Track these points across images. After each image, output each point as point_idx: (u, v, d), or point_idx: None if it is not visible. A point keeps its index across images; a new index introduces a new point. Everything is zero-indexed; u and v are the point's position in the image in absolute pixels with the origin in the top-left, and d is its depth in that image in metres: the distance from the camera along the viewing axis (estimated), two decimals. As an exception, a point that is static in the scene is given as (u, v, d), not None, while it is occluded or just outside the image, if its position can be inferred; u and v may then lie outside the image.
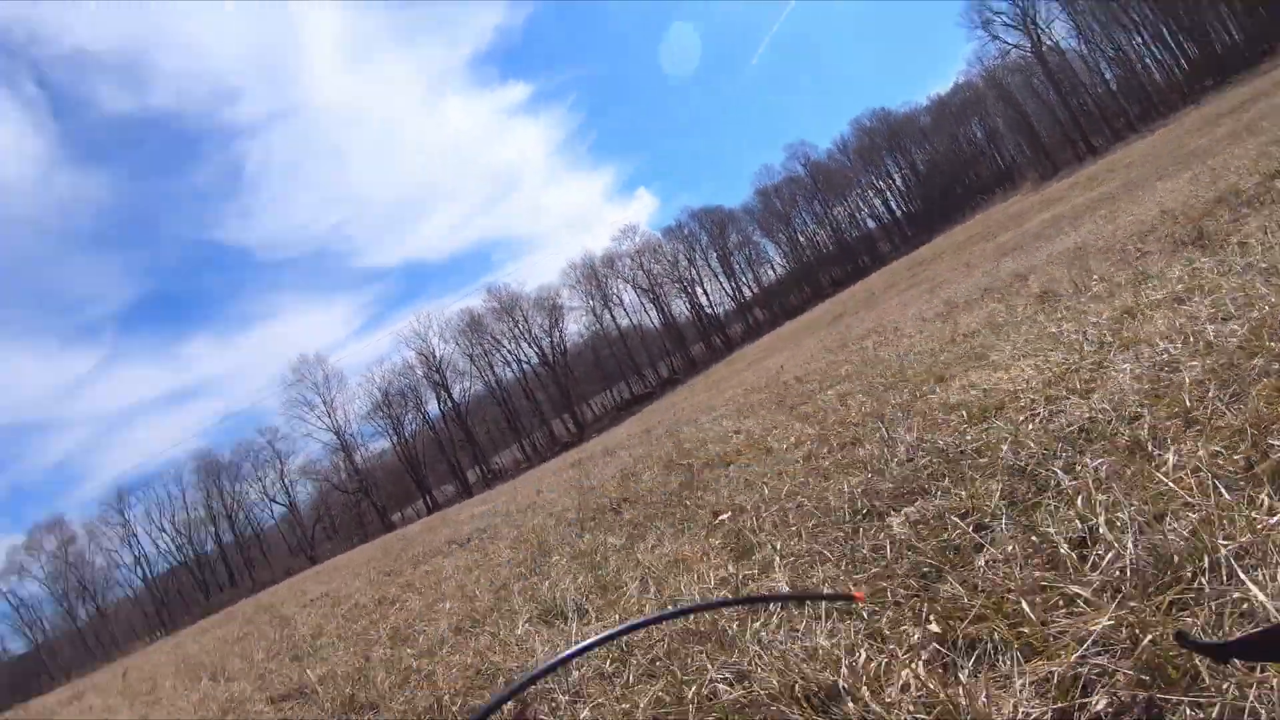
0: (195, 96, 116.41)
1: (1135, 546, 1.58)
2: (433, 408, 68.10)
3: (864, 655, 1.62)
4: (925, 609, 1.71)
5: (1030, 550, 1.76)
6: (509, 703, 2.12)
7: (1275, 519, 1.49)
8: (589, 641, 1.38)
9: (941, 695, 1.39)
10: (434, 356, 67.66)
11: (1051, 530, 1.78)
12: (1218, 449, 1.82)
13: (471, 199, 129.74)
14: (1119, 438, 2.15)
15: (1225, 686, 1.16)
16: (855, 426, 3.88)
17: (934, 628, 1.64)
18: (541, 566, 4.12)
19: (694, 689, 1.79)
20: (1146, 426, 2.12)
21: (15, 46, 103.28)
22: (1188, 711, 1.16)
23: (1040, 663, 1.39)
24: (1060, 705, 1.29)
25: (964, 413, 3.05)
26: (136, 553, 65.29)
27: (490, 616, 3.54)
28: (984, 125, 77.86)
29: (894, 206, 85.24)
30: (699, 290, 79.29)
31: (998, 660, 1.46)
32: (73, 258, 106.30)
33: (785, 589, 2.21)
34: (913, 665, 1.51)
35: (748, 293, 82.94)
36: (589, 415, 69.95)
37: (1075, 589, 1.52)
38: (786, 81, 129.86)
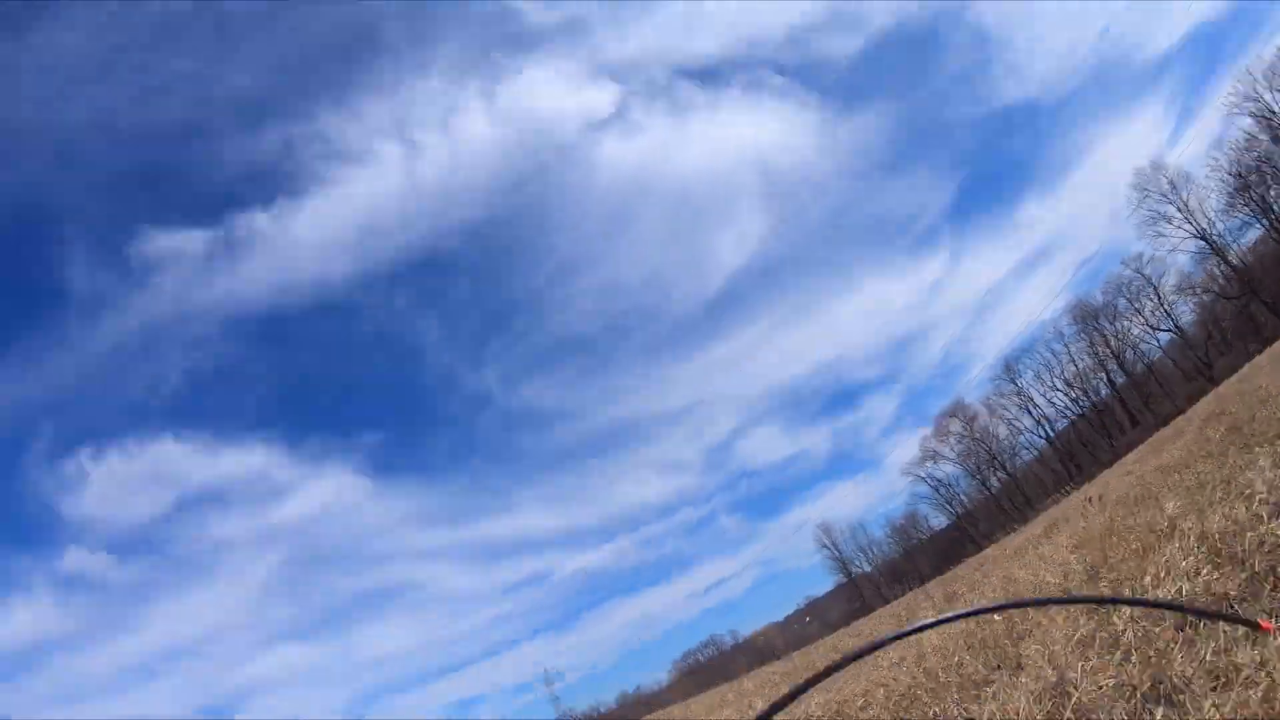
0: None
1: None
2: (1295, 169, 55.06)
3: None
4: None
5: None
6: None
7: None
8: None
9: None
10: (1275, 114, 51.45)
11: None
12: None
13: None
14: None
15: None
16: None
17: None
18: None
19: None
20: None
21: (740, 59, 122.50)
22: None
23: None
24: None
25: None
26: (1035, 415, 68.85)
27: None
28: None
29: None
30: None
31: None
32: (884, 185, 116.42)
33: None
34: None
35: None
36: None
37: None
38: None
